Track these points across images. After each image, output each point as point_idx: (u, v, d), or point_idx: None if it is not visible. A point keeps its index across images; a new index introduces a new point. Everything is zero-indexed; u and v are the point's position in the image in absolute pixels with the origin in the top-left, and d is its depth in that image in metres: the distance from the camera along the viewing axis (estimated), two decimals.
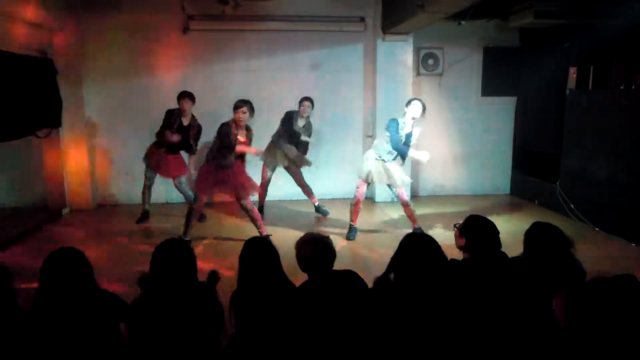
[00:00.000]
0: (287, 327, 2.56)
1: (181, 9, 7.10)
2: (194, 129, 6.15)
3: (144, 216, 6.47)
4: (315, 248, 2.69)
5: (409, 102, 5.55)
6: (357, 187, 5.78)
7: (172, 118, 6.05)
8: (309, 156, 6.65)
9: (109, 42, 7.13)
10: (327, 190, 7.79)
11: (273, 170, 6.60)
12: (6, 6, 5.32)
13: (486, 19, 7.29)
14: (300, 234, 2.91)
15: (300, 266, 2.75)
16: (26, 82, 5.72)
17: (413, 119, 5.48)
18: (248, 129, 5.46)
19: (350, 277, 2.75)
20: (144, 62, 7.18)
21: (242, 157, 5.49)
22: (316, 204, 6.82)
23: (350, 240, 5.73)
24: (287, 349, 2.53)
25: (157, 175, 6.37)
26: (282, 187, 7.17)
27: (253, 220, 5.51)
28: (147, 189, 6.45)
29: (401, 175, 5.69)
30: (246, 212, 5.48)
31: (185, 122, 6.10)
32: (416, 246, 2.45)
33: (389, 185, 5.78)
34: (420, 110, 5.46)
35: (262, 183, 6.48)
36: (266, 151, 6.37)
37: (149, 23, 7.15)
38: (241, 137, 5.32)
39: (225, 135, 5.21)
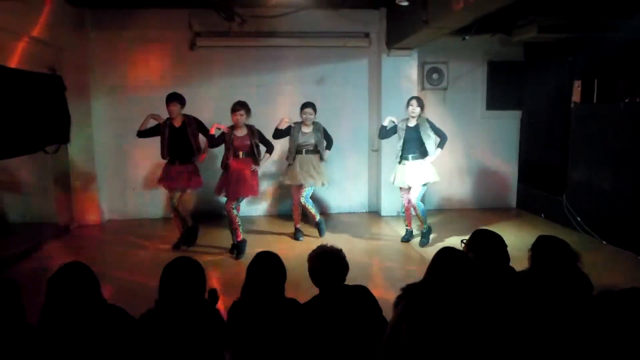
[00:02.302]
0: (290, 342, 2.55)
1: (188, 26, 7.20)
2: (191, 126, 5.79)
3: (185, 237, 5.94)
4: (327, 261, 2.67)
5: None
6: (401, 196, 6.18)
7: (160, 129, 5.79)
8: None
9: (117, 59, 7.23)
10: (333, 204, 7.80)
11: (300, 187, 6.15)
12: (16, 24, 5.41)
13: (490, 33, 7.33)
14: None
15: (312, 279, 2.72)
16: (35, 98, 5.78)
17: (412, 117, 6.02)
18: (248, 127, 5.75)
19: (361, 292, 2.74)
20: (151, 78, 7.27)
21: (251, 154, 5.73)
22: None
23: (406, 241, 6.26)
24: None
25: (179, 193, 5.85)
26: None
27: (230, 225, 5.70)
28: (175, 212, 5.95)
29: (417, 176, 5.93)
30: (230, 212, 5.64)
31: (177, 123, 5.79)
32: (450, 260, 2.47)
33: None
34: (415, 108, 5.96)
35: (294, 204, 6.34)
36: (285, 172, 6.26)
37: (157, 40, 7.26)
38: (238, 133, 5.72)
39: (222, 138, 5.73)
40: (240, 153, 5.68)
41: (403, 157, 5.97)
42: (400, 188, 6.10)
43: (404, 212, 6.36)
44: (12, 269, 5.23)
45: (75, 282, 2.39)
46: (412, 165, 5.93)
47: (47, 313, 2.39)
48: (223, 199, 5.88)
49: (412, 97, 6.06)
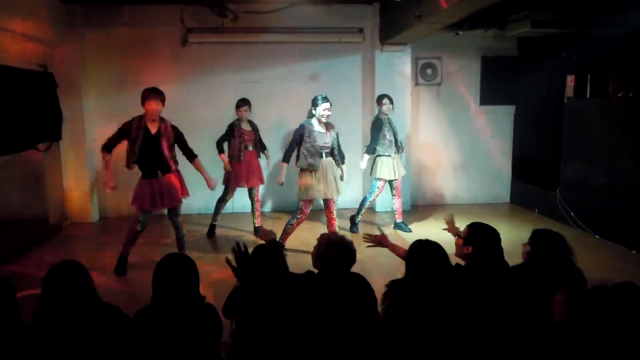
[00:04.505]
0: (290, 321, 2.57)
1: (180, 22, 7.15)
2: (168, 135, 4.85)
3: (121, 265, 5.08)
4: (341, 252, 2.75)
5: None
6: (378, 188, 6.40)
7: (132, 131, 4.75)
8: None
9: (108, 55, 7.18)
10: None
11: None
12: (7, 21, 5.36)
13: (484, 28, 7.33)
14: None
15: (319, 262, 2.80)
16: (27, 96, 5.75)
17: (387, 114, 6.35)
18: (251, 123, 6.20)
19: (359, 280, 2.82)
20: (143, 75, 7.20)
21: (255, 147, 6.18)
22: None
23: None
24: (289, 345, 2.54)
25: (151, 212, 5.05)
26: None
27: (253, 211, 6.32)
28: (133, 235, 5.03)
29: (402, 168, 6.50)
30: (252, 201, 6.28)
31: (153, 129, 4.81)
32: (424, 252, 2.53)
33: (390, 182, 6.42)
34: (389, 105, 6.32)
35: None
36: (302, 183, 5.23)
37: (149, 36, 7.21)
38: (245, 127, 6.14)
39: (230, 130, 6.06)
40: (251, 146, 6.12)
41: (395, 152, 6.33)
42: (385, 181, 6.37)
43: (395, 206, 6.63)
44: (4, 267, 5.20)
45: (69, 280, 2.38)
46: (397, 157, 6.40)
47: (41, 312, 2.38)
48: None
49: (385, 96, 6.29)
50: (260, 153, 6.28)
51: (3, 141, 5.28)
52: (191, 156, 5.11)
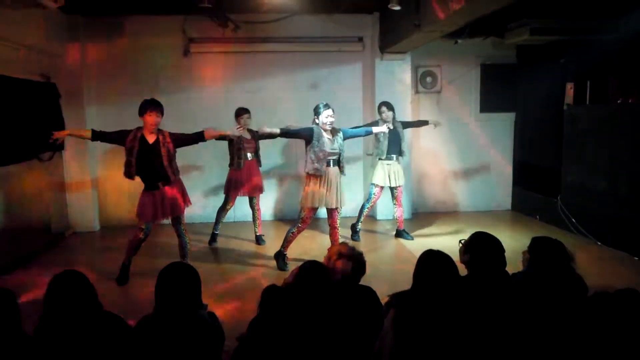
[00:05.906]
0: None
1: (182, 32, 7.20)
2: (167, 146, 4.76)
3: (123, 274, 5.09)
4: (351, 263, 2.78)
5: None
6: (374, 194, 6.42)
7: (127, 142, 4.68)
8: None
9: (111, 65, 7.22)
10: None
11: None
12: (10, 32, 5.40)
13: (483, 36, 7.37)
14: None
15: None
16: (30, 106, 5.78)
17: (387, 121, 6.21)
18: (250, 131, 6.07)
19: (367, 293, 2.84)
20: (145, 85, 7.23)
21: (256, 155, 6.17)
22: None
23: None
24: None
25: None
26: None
27: (254, 219, 6.35)
28: (136, 244, 5.03)
29: (402, 176, 6.42)
30: (253, 210, 6.30)
31: (151, 139, 4.75)
32: (433, 263, 2.47)
33: (392, 189, 6.39)
34: (388, 112, 6.26)
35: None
36: (308, 190, 5.12)
37: (151, 46, 7.25)
38: (246, 135, 6.05)
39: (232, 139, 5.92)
40: (250, 155, 6.08)
41: (388, 157, 6.26)
42: (382, 187, 6.35)
43: (396, 214, 6.60)
44: (6, 277, 5.20)
45: (71, 290, 2.39)
46: (396, 165, 6.33)
47: (44, 322, 2.38)
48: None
49: (382, 104, 6.32)
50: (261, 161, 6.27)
51: (6, 151, 5.30)
52: (199, 136, 4.89)
